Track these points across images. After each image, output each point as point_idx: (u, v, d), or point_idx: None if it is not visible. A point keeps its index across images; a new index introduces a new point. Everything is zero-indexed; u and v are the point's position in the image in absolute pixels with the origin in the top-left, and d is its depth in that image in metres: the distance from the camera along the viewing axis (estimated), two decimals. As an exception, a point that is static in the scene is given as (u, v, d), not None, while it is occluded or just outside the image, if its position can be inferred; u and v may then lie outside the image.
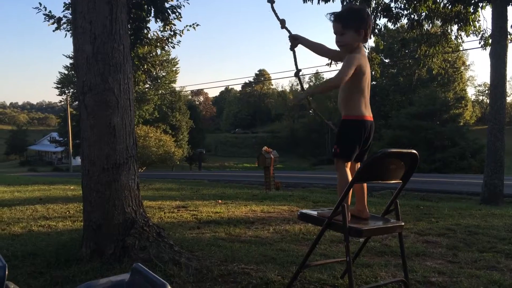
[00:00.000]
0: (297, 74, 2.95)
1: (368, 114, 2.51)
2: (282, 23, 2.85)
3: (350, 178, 2.44)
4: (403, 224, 2.49)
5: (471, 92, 76.71)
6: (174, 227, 4.71)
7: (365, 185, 2.62)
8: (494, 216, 5.66)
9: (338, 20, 2.51)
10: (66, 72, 44.03)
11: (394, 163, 2.33)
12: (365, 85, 2.51)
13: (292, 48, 2.83)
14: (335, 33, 2.54)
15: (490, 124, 9.64)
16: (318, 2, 10.70)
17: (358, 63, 2.42)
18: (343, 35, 2.49)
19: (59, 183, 13.20)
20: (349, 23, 2.47)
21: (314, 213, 2.59)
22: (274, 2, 2.98)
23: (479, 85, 66.60)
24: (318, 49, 2.79)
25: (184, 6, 7.83)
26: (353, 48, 2.50)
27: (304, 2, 10.48)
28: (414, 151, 2.34)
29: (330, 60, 10.55)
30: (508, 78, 9.62)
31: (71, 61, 40.01)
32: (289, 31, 2.83)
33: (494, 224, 4.96)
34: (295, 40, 2.79)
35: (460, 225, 4.85)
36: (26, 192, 9.37)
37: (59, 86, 44.64)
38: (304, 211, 2.72)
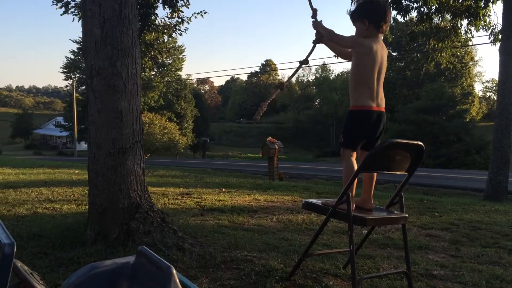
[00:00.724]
0: (303, 63, 2.90)
1: (376, 104, 2.52)
2: (315, 12, 2.82)
3: (355, 167, 2.45)
4: (407, 215, 2.49)
5: (478, 88, 76.45)
6: (178, 214, 4.74)
7: (374, 175, 2.63)
8: (497, 212, 5.66)
9: (350, 16, 2.66)
10: (72, 57, 44.05)
11: (400, 154, 2.33)
12: (372, 76, 2.50)
13: (316, 42, 2.79)
14: None
15: (497, 121, 9.56)
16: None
17: (364, 44, 2.51)
18: (356, 28, 2.62)
19: (64, 167, 13.27)
20: (354, 16, 2.62)
21: (319, 202, 2.60)
22: None
23: (487, 81, 66.19)
24: (338, 49, 2.84)
25: (192, -7, 7.79)
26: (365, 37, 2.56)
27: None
28: (420, 143, 2.34)
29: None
30: (517, 74, 9.49)
31: (77, 46, 40.01)
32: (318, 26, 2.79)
33: (498, 220, 4.95)
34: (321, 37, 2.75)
35: (463, 220, 4.85)
36: (31, 175, 9.43)
37: (65, 70, 44.65)
38: (308, 200, 2.73)
